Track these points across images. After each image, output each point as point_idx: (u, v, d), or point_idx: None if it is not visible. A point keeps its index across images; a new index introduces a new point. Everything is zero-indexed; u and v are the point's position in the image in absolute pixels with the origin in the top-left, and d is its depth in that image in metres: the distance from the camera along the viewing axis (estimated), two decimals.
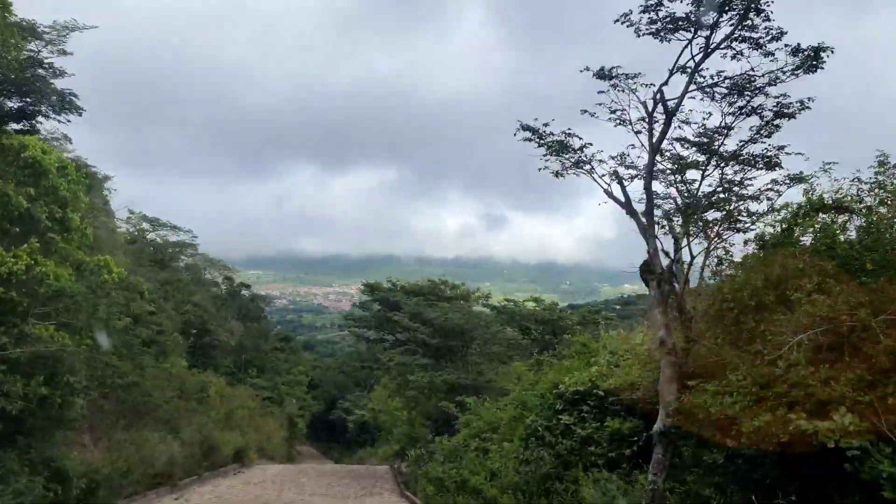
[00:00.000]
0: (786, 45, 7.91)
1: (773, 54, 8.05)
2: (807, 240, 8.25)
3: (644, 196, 9.09)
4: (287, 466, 29.08)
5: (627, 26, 8.35)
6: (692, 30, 8.16)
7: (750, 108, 8.51)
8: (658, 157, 9.15)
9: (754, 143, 8.76)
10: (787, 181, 8.95)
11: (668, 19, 8.19)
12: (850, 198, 8.21)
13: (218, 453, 22.71)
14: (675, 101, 8.59)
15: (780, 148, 8.67)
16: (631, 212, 8.79)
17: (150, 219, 37.09)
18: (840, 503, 6.03)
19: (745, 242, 8.87)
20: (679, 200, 9.57)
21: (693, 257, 9.16)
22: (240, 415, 29.87)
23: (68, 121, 15.18)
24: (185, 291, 35.05)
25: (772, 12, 7.84)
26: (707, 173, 9.20)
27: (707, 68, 8.43)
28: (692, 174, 9.66)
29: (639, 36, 8.35)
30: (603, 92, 8.76)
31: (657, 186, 9.42)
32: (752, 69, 8.16)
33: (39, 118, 14.84)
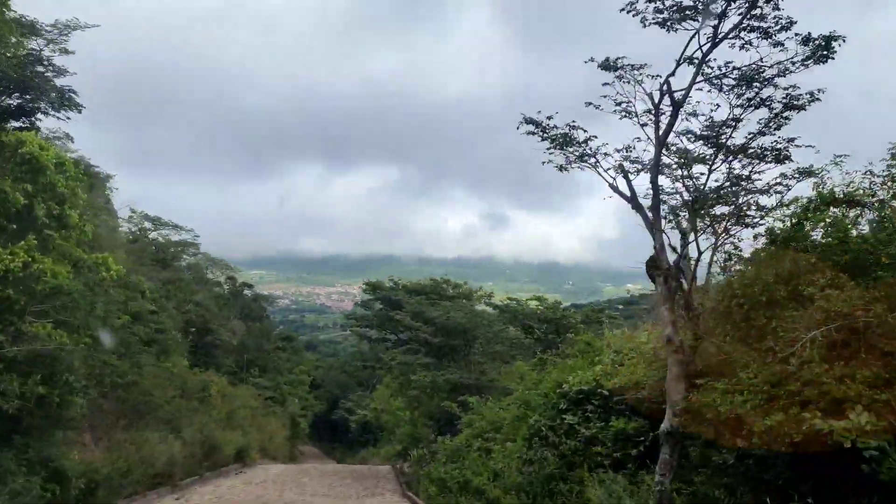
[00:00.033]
0: (796, 35, 7.71)
1: (783, 44, 7.86)
2: (817, 234, 8.06)
3: (649, 190, 8.93)
4: (289, 466, 28.97)
5: (633, 16, 8.18)
6: (699, 19, 7.97)
7: (759, 99, 8.32)
8: (664, 152, 8.97)
9: (763, 135, 8.57)
10: (797, 175, 8.77)
11: (675, 8, 8.00)
12: (862, 191, 8.02)
13: (219, 453, 22.60)
14: (682, 92, 8.40)
15: (791, 140, 8.48)
16: (637, 206, 8.61)
17: (152, 218, 37.02)
18: None
19: (755, 237, 8.68)
20: (685, 195, 9.38)
21: (700, 253, 8.98)
22: (242, 414, 29.76)
23: (68, 118, 15.14)
24: (186, 291, 34.96)
25: (781, 0, 7.65)
26: (714, 167, 9.01)
27: (715, 59, 8.25)
28: (698, 169, 9.50)
29: (645, 26, 8.17)
30: (608, 84, 8.58)
31: (663, 181, 9.25)
32: (761, 59, 7.96)
33: (39, 115, 14.80)
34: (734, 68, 8.17)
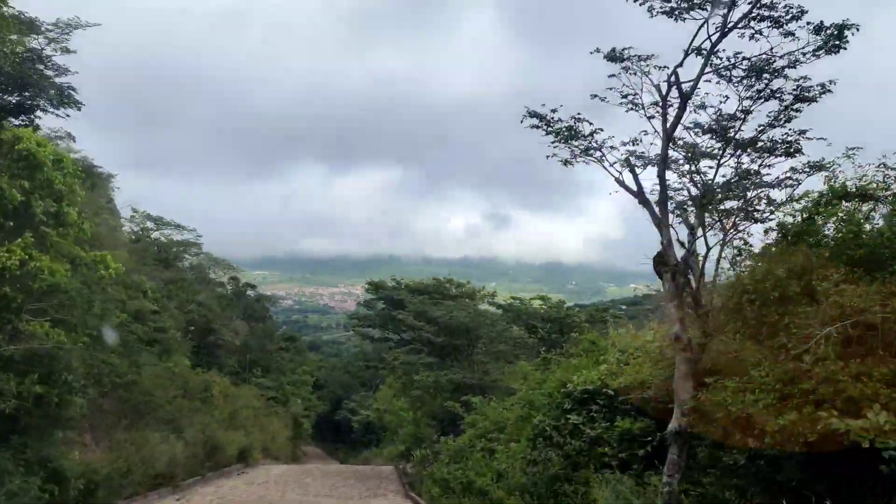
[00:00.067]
0: (808, 24, 7.50)
1: (794, 34, 7.65)
2: (829, 230, 7.85)
3: (656, 186, 8.74)
4: (291, 467, 28.87)
5: (640, 4, 7.98)
6: (708, 7, 7.77)
7: (769, 91, 8.11)
8: (671, 146, 8.78)
9: (773, 128, 8.36)
10: (807, 169, 8.56)
11: None
12: (875, 185, 7.81)
13: (221, 453, 22.51)
14: (690, 84, 8.19)
15: (802, 132, 8.27)
16: (643, 201, 8.42)
17: (154, 218, 36.97)
18: None
19: (766, 231, 8.47)
20: (693, 190, 9.19)
21: (709, 248, 8.78)
22: (244, 414, 29.69)
23: (67, 115, 15.03)
24: (189, 291, 34.90)
25: None
26: (723, 161, 8.80)
27: (724, 50, 8.04)
28: (706, 165, 9.30)
29: (652, 16, 7.98)
30: (614, 76, 8.39)
31: (669, 177, 9.05)
32: (772, 49, 7.75)
33: (38, 113, 14.68)
34: (744, 58, 7.97)
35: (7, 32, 11.69)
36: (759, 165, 8.75)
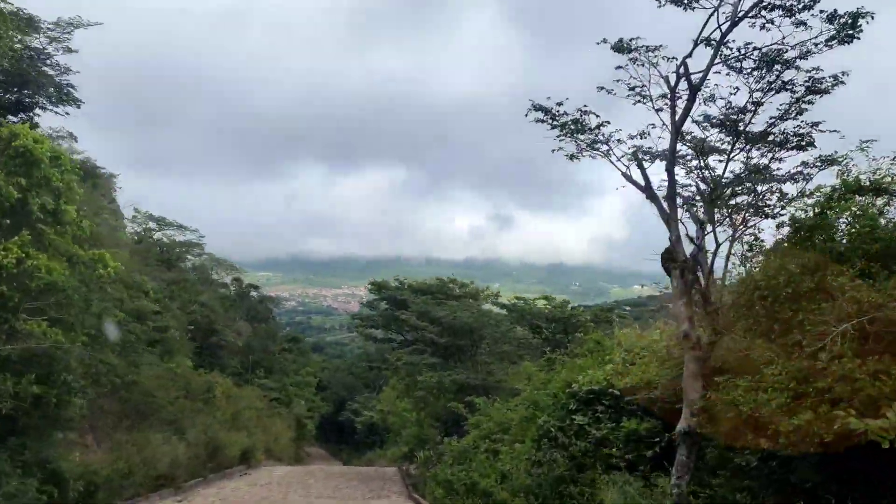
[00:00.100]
0: (821, 12, 7.29)
1: (806, 23, 7.45)
2: (842, 224, 7.64)
3: (663, 182, 8.55)
4: (294, 468, 28.73)
5: None
6: None
7: (780, 82, 7.90)
8: (679, 141, 8.58)
9: (783, 120, 8.15)
10: (819, 163, 8.35)
11: None
12: (890, 179, 7.61)
13: (224, 454, 22.36)
14: (700, 75, 7.99)
15: (815, 124, 8.06)
16: (651, 196, 8.23)
17: (157, 218, 36.89)
18: None
19: (778, 227, 8.26)
20: (701, 186, 9.00)
21: (718, 245, 8.58)
22: (247, 415, 29.55)
23: (66, 113, 14.98)
24: (191, 291, 34.79)
25: None
26: (733, 155, 8.60)
27: (734, 40, 7.84)
28: (715, 159, 9.11)
29: (661, 5, 7.79)
30: (621, 67, 8.19)
31: (678, 173, 8.85)
32: (784, 38, 7.54)
33: (37, 111, 14.62)
34: (755, 48, 7.77)
35: (4, 28, 11.57)
36: (770, 160, 8.54)
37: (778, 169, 8.57)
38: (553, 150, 8.71)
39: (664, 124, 8.35)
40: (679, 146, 8.57)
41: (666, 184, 8.45)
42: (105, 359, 12.73)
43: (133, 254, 28.22)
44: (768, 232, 8.70)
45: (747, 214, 8.80)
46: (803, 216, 7.96)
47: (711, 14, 7.65)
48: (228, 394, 29.32)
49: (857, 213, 7.45)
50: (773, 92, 8.04)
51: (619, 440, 10.33)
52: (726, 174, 8.71)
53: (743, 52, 7.85)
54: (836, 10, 7.27)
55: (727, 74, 8.09)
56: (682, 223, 8.22)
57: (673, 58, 8.01)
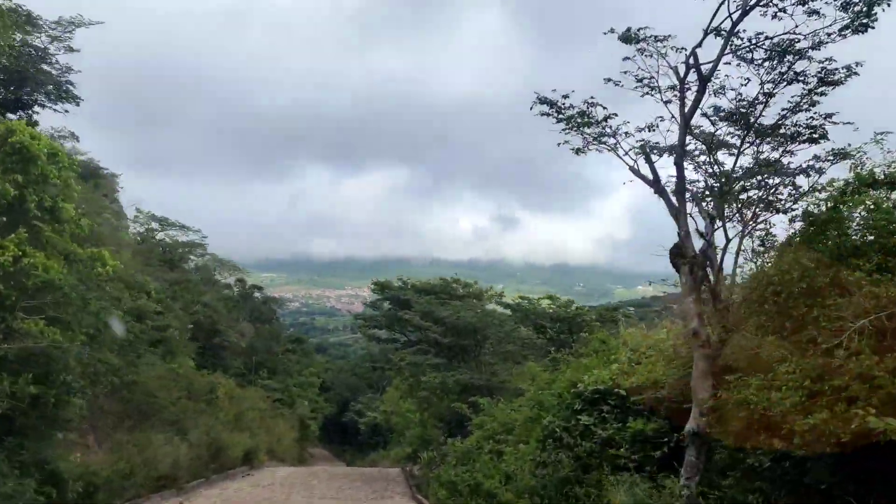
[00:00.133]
0: (834, 0, 7.09)
1: (819, 12, 7.24)
2: (855, 218, 7.42)
3: (670, 177, 8.36)
4: (297, 469, 28.60)
5: None
6: None
7: (792, 73, 7.70)
8: (688, 136, 8.38)
9: (795, 113, 7.95)
10: (831, 157, 8.14)
11: None
12: None
13: (226, 455, 22.24)
14: (709, 66, 7.79)
15: (828, 116, 7.84)
16: (659, 190, 8.04)
17: (159, 218, 36.83)
18: None
19: (791, 221, 8.06)
20: (709, 182, 8.80)
21: (728, 240, 8.38)
22: (250, 416, 29.44)
23: (66, 111, 14.86)
24: (194, 292, 34.71)
25: None
26: (743, 148, 8.39)
27: (745, 30, 7.64)
28: (723, 156, 8.92)
29: None
30: (628, 58, 7.99)
31: (685, 169, 8.64)
32: (796, 26, 7.33)
33: (36, 108, 14.52)
34: (766, 38, 7.57)
35: (1, 24, 11.45)
36: (781, 154, 8.33)
37: (789, 163, 8.36)
38: (559, 144, 8.52)
39: (673, 117, 8.16)
40: (688, 140, 8.37)
41: (673, 179, 8.28)
42: (104, 358, 12.58)
43: (135, 254, 28.15)
44: (779, 227, 8.51)
45: (758, 209, 8.59)
46: (816, 210, 7.75)
47: (722, 2, 7.47)
48: (231, 394, 29.20)
49: (871, 207, 7.24)
50: (784, 83, 7.84)
51: (626, 440, 10.17)
52: (736, 168, 8.50)
53: (754, 42, 7.65)
54: None
55: (738, 65, 7.91)
56: (692, 217, 8.03)
57: (682, 48, 7.82)
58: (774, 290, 6.56)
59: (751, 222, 8.60)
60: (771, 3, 7.38)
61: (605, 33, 7.87)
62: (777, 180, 8.44)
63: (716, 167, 8.80)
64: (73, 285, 9.84)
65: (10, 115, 13.44)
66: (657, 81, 8.08)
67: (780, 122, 8.09)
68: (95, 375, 11.99)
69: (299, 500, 17.14)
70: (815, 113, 7.93)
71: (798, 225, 7.82)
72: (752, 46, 7.69)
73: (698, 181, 9.15)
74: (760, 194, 8.60)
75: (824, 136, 7.99)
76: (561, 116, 8.41)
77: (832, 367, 5.49)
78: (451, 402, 23.19)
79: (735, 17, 7.51)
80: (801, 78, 7.75)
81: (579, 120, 8.28)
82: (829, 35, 7.38)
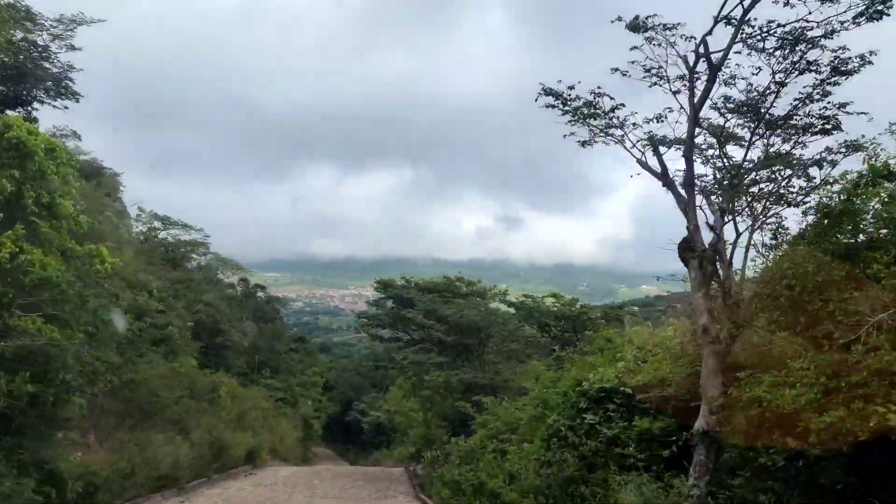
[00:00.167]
0: None
1: None
2: (870, 211, 7.22)
3: (678, 171, 8.17)
4: (300, 468, 28.50)
5: None
6: None
7: (804, 62, 7.49)
8: (696, 129, 8.18)
9: (806, 105, 7.74)
10: (843, 149, 7.94)
11: None
12: None
13: (229, 454, 22.12)
14: (719, 55, 7.59)
15: (842, 105, 7.64)
16: (668, 183, 7.85)
17: (161, 217, 36.75)
18: None
19: (804, 213, 7.85)
20: (718, 175, 8.61)
21: (738, 234, 8.18)
22: (252, 415, 29.33)
23: (65, 107, 14.73)
24: (196, 291, 34.60)
25: None
26: (753, 141, 8.19)
27: (756, 18, 7.44)
28: (732, 150, 8.73)
29: None
30: (636, 48, 7.80)
31: (693, 163, 8.44)
32: (809, 13, 7.13)
33: (35, 105, 14.39)
34: (778, 25, 7.36)
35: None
36: (792, 146, 8.13)
37: (801, 155, 8.16)
38: (565, 136, 8.34)
39: (681, 107, 7.97)
40: (696, 133, 8.17)
41: (681, 173, 8.09)
42: (103, 356, 12.45)
43: (138, 253, 28.06)
44: (791, 220, 8.31)
45: (769, 203, 8.40)
46: (830, 203, 7.55)
47: None
48: (234, 394, 29.10)
49: (886, 199, 7.05)
50: (796, 73, 7.64)
51: (632, 439, 10.02)
52: (746, 161, 8.30)
53: (765, 30, 7.45)
54: None
55: (748, 55, 7.70)
56: (702, 209, 7.83)
57: (691, 37, 7.62)
58: (788, 283, 6.36)
59: (761, 216, 8.41)
60: None
61: (612, 21, 7.66)
62: (789, 172, 8.23)
63: (724, 161, 8.61)
64: (70, 282, 9.70)
65: (8, 112, 13.31)
66: (666, 71, 7.89)
67: (792, 112, 7.88)
68: (94, 374, 11.85)
69: (301, 500, 17.03)
70: (829, 103, 7.73)
71: (811, 218, 7.63)
72: (763, 35, 7.50)
73: (706, 175, 8.98)
74: (771, 187, 8.41)
75: (837, 128, 7.78)
76: (567, 108, 8.24)
77: (849, 363, 5.32)
78: (454, 401, 23.05)
79: (746, 4, 7.32)
80: (814, 67, 7.55)
81: (585, 111, 8.11)
82: (842, 23, 7.18)
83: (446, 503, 14.17)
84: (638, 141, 8.21)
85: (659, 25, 7.67)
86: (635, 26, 7.71)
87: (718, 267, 7.79)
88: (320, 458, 44.41)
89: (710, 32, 7.43)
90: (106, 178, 30.60)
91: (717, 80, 7.72)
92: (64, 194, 10.37)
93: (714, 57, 7.56)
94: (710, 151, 8.88)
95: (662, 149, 8.15)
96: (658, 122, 8.24)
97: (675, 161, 8.29)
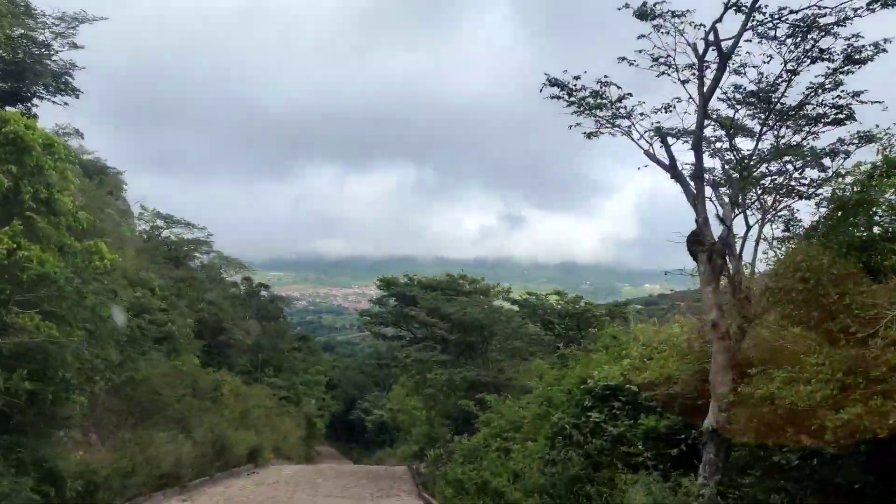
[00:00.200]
0: None
1: None
2: (885, 202, 7.04)
3: (685, 164, 7.99)
4: (304, 467, 28.42)
5: None
6: None
7: (817, 50, 7.29)
8: (706, 120, 8.00)
9: (818, 94, 7.55)
10: (856, 140, 7.75)
11: None
12: None
13: (231, 453, 22.04)
14: (729, 43, 7.39)
15: (856, 94, 7.44)
16: (676, 175, 7.67)
17: (164, 216, 36.69)
18: None
19: (818, 205, 7.67)
20: (727, 168, 8.42)
21: (749, 227, 8.00)
22: (255, 414, 29.28)
23: (65, 103, 14.62)
24: (199, 289, 34.54)
25: None
26: (763, 132, 7.99)
27: (766, 5, 7.24)
28: (742, 142, 8.54)
29: None
30: (644, 36, 7.60)
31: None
32: (821, 0, 6.93)
33: (35, 101, 14.28)
34: (790, 12, 7.16)
35: None
36: (804, 137, 7.93)
37: (813, 146, 7.95)
38: (570, 126, 8.16)
39: (690, 97, 7.78)
40: (706, 124, 7.98)
41: (689, 166, 7.92)
42: (102, 354, 12.33)
43: (140, 251, 27.99)
44: (803, 213, 8.12)
45: (779, 195, 8.21)
46: (844, 194, 7.36)
47: None
48: (237, 392, 29.04)
49: None
50: (808, 62, 7.44)
51: (638, 438, 9.89)
52: (756, 152, 8.10)
53: (777, 17, 7.25)
54: None
55: (759, 43, 7.50)
56: (711, 202, 7.66)
57: (701, 24, 7.43)
58: (802, 277, 6.18)
59: (771, 209, 8.23)
60: None
61: (619, 9, 7.48)
62: (800, 164, 8.03)
63: (734, 153, 8.42)
64: (68, 278, 9.57)
65: (8, 108, 13.21)
66: (674, 60, 7.70)
67: (804, 101, 7.68)
68: (93, 372, 11.73)
69: (303, 499, 16.93)
70: (843, 91, 7.53)
71: (824, 210, 7.44)
72: (774, 22, 7.30)
73: (715, 169, 8.80)
74: (782, 180, 8.22)
75: (851, 117, 7.58)
76: (572, 99, 8.06)
77: (866, 358, 5.14)
78: (457, 399, 22.92)
79: None
80: (826, 56, 7.36)
81: (591, 101, 7.93)
82: (855, 10, 6.99)
83: (450, 502, 14.05)
84: (645, 132, 8.04)
85: (667, 13, 7.48)
86: (643, 13, 7.52)
87: (728, 260, 7.61)
88: (323, 457, 44.36)
89: (719, 20, 7.24)
90: (109, 177, 30.53)
91: (727, 68, 7.52)
92: (62, 190, 10.25)
93: (724, 45, 7.37)
94: (719, 144, 8.71)
95: (671, 140, 7.97)
96: (666, 112, 8.04)
97: (682, 153, 8.12)
